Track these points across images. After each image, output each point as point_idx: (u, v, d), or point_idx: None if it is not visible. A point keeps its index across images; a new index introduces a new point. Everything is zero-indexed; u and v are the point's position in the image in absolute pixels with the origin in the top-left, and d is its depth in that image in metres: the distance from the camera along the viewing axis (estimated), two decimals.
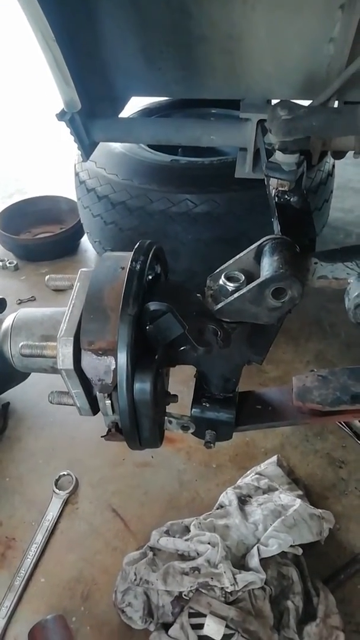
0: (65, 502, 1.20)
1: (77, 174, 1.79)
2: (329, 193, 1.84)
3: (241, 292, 0.69)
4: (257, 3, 1.03)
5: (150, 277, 0.75)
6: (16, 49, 4.00)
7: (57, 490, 1.20)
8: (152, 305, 0.68)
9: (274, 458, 1.22)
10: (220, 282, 0.73)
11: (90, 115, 1.33)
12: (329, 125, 0.77)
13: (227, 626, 0.84)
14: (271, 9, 1.07)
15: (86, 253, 2.06)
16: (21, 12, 0.97)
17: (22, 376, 1.14)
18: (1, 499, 1.21)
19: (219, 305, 0.71)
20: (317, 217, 1.75)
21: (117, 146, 1.72)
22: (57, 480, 1.22)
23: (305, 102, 1.07)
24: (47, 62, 1.11)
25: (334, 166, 1.85)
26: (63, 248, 2.02)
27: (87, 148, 1.42)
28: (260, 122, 1.26)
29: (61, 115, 1.25)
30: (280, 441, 1.32)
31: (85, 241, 2.04)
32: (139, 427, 0.73)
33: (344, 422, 1.32)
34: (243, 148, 1.34)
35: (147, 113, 1.99)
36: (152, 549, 0.99)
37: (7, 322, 0.82)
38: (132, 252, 0.73)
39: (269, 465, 1.20)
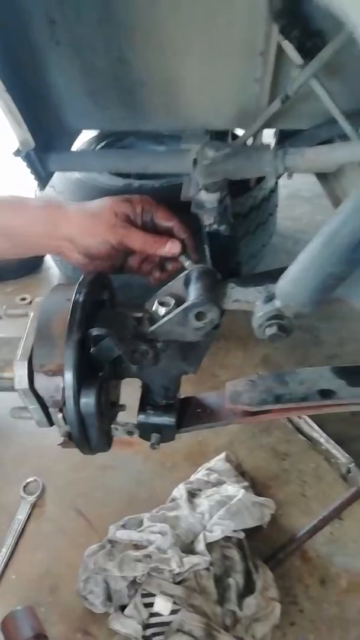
0: (33, 506, 1.28)
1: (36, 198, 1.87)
2: (273, 207, 1.97)
3: (169, 316, 0.79)
4: (189, 52, 1.14)
5: (97, 303, 0.86)
6: None
7: (25, 495, 1.29)
8: (94, 331, 0.79)
9: (223, 454, 1.33)
10: (154, 307, 0.84)
11: (44, 150, 1.42)
12: (241, 169, 0.88)
13: (174, 603, 0.95)
14: (202, 56, 1.18)
15: (50, 270, 2.14)
16: None
17: None
18: None
19: (152, 328, 0.81)
20: (262, 231, 1.87)
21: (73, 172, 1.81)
22: (25, 486, 1.31)
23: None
24: (0, 108, 1.20)
25: (276, 183, 1.98)
26: (27, 267, 2.09)
27: (43, 179, 1.50)
28: (202, 145, 1.38)
29: (17, 153, 1.33)
30: (229, 439, 1.43)
31: (49, 259, 2.13)
32: (88, 436, 0.83)
33: (288, 419, 1.45)
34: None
35: (103, 137, 2.09)
36: (110, 541, 1.09)
37: None
38: (77, 285, 0.83)
39: (218, 461, 1.31)
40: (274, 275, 0.76)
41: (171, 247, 0.89)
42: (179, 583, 0.99)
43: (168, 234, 0.91)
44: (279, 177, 0.96)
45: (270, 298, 0.74)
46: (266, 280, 0.82)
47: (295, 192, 2.73)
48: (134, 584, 1.01)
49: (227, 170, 0.89)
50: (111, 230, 0.87)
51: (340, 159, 0.84)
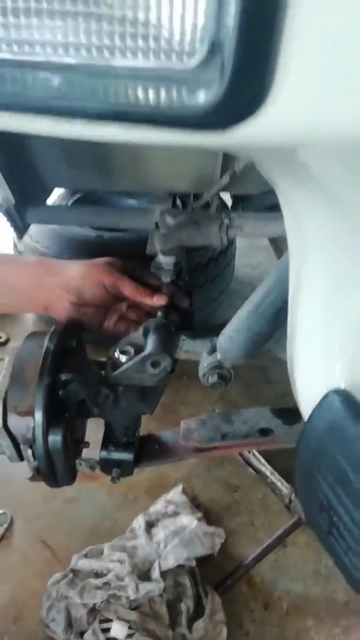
0: (1, 537, 1.33)
1: (15, 246, 1.98)
2: (230, 259, 2.12)
3: (129, 364, 0.89)
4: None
5: (66, 350, 0.95)
6: None
7: None
8: (63, 376, 0.88)
9: (180, 487, 1.42)
10: (116, 355, 0.94)
11: (22, 205, 1.53)
12: (192, 238, 1.01)
13: (129, 627, 1.01)
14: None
15: None
16: None
17: None
18: None
19: (114, 374, 0.91)
20: (220, 279, 2.02)
21: None
22: None
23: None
24: None
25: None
26: None
27: (20, 230, 1.60)
28: (162, 212, 1.52)
29: None
30: (187, 471, 1.51)
31: None
32: (55, 470, 0.91)
33: (239, 453, 1.55)
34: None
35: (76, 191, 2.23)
36: (72, 570, 1.15)
37: None
38: (49, 334, 0.93)
39: (175, 493, 1.39)
40: (217, 330, 0.88)
41: (158, 299, 0.97)
42: (134, 609, 1.06)
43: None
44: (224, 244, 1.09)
45: (213, 350, 0.85)
46: (211, 334, 0.94)
47: (254, 243, 2.91)
48: (93, 610, 1.07)
49: (181, 238, 1.02)
50: (105, 274, 0.94)
51: (271, 232, 0.98)
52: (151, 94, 0.34)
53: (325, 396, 0.57)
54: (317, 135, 0.34)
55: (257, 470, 1.47)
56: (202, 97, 0.31)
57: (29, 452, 0.91)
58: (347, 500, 0.55)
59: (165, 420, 1.69)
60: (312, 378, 0.63)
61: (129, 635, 1.01)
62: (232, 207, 1.74)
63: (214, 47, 0.32)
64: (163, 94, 0.33)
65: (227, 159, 1.33)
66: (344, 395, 0.56)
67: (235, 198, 1.73)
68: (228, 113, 0.31)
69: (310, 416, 0.60)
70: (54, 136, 0.35)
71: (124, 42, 0.35)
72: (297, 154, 0.39)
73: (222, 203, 1.93)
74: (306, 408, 0.63)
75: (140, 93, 0.34)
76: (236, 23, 0.31)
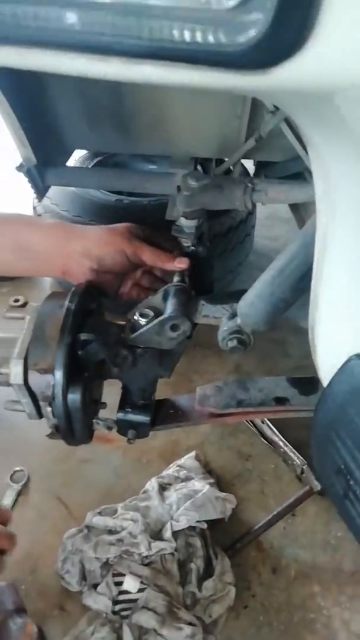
0: (19, 493, 1.37)
1: (34, 208, 1.97)
2: (250, 228, 2.09)
3: (148, 326, 0.90)
4: (176, 95, 1.26)
5: (86, 311, 0.96)
6: None
7: (11, 483, 1.38)
8: (83, 336, 0.88)
9: (193, 453, 1.44)
10: (135, 317, 0.95)
11: (43, 166, 1.53)
12: (215, 201, 1.00)
13: (141, 582, 1.05)
14: (188, 98, 1.30)
15: None
16: None
17: None
18: None
19: (133, 336, 0.92)
20: (239, 249, 2.00)
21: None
22: (11, 475, 1.40)
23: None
24: (7, 129, 1.31)
25: (254, 206, 2.11)
26: None
27: (41, 191, 1.60)
28: (184, 175, 1.50)
29: (19, 168, 1.44)
30: (200, 439, 1.54)
31: None
32: (73, 428, 0.93)
33: (252, 423, 1.56)
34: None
35: (98, 154, 2.20)
36: (87, 526, 1.19)
37: None
38: (70, 294, 0.94)
39: (188, 459, 1.42)
40: (238, 296, 0.88)
41: (179, 262, 0.96)
42: (146, 565, 1.10)
43: None
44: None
45: (233, 315, 0.85)
46: (231, 300, 0.93)
47: (274, 213, 2.87)
48: (106, 565, 1.11)
49: (204, 201, 1.00)
50: (127, 242, 0.93)
51: (297, 198, 0.96)
52: (187, 34, 0.33)
53: (348, 361, 0.57)
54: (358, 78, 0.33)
55: (270, 441, 1.49)
56: (242, 36, 0.30)
57: (48, 409, 0.93)
58: None
59: (180, 388, 1.71)
60: (334, 343, 0.63)
61: (141, 590, 1.05)
62: (254, 174, 1.70)
63: None
64: (199, 34, 0.32)
65: (252, 124, 1.30)
66: None
67: (258, 165, 1.69)
68: (269, 52, 0.30)
69: (331, 381, 0.60)
70: (89, 77, 0.34)
71: None
72: (335, 99, 0.38)
73: (245, 170, 1.89)
74: (326, 373, 0.63)
75: (176, 32, 0.33)
76: None
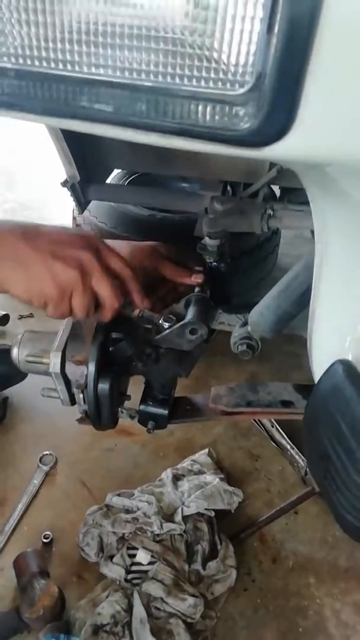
0: (46, 475, 1.51)
1: (74, 218, 2.14)
2: (274, 247, 2.21)
3: (171, 329, 1.03)
4: None
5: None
6: None
7: (40, 465, 1.52)
8: (114, 335, 1.02)
9: (206, 450, 1.56)
10: (160, 321, 1.08)
11: (85, 182, 1.69)
12: (237, 224, 1.12)
13: (152, 556, 1.17)
14: None
15: None
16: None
17: (22, 377, 1.47)
18: None
19: (157, 337, 1.05)
20: (262, 266, 2.12)
21: None
22: (41, 458, 1.54)
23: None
24: (56, 149, 1.47)
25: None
26: None
27: (82, 205, 1.77)
28: (212, 198, 1.63)
29: (64, 184, 1.60)
30: (214, 439, 1.65)
31: None
32: (100, 414, 1.07)
33: (263, 427, 1.67)
34: None
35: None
36: (106, 505, 1.32)
37: (17, 338, 1.15)
38: None
39: (201, 455, 1.53)
40: (250, 307, 1.00)
41: (196, 277, 1.07)
42: (158, 542, 1.22)
43: None
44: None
45: (244, 324, 0.97)
46: (244, 310, 1.06)
47: (300, 233, 2.97)
48: (122, 539, 1.23)
49: (226, 224, 1.13)
50: (148, 258, 1.05)
51: (308, 226, 1.08)
52: (208, 113, 0.46)
53: (332, 364, 0.69)
54: (333, 157, 0.46)
55: (278, 444, 1.59)
56: (245, 123, 0.43)
57: (81, 396, 1.06)
58: (340, 449, 0.67)
59: (197, 391, 1.82)
60: (325, 350, 0.75)
61: (151, 563, 1.17)
62: (279, 197, 1.83)
63: (259, 80, 0.44)
64: (217, 113, 0.46)
65: None
66: (347, 365, 0.67)
67: (282, 190, 1.81)
68: (263, 136, 0.43)
69: (319, 381, 0.71)
70: (135, 142, 0.48)
71: (192, 72, 0.47)
72: (325, 168, 0.50)
73: (271, 193, 2.02)
74: (318, 375, 0.75)
75: (199, 112, 0.46)
76: (275, 64, 0.42)
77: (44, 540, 1.33)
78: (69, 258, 0.72)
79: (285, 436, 1.58)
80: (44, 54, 0.50)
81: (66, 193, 1.68)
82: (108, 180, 1.90)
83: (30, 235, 0.72)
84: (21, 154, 3.67)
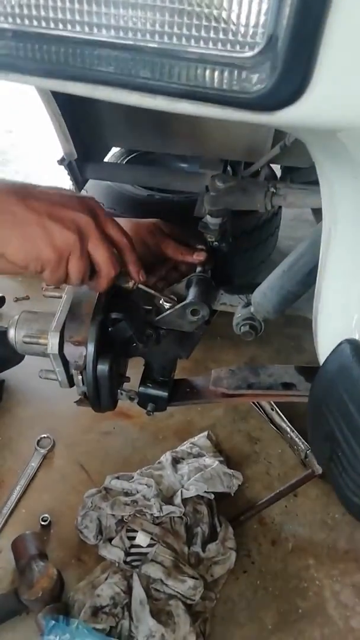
0: (44, 457, 1.51)
1: None
2: (274, 229, 2.19)
3: (172, 310, 1.01)
4: None
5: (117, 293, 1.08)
6: None
7: (38, 448, 1.52)
8: (113, 315, 1.00)
9: (205, 433, 1.55)
10: (161, 301, 1.06)
11: (83, 160, 1.65)
12: (239, 202, 1.10)
13: (152, 538, 1.17)
14: None
15: None
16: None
17: (19, 359, 1.45)
18: None
19: (158, 318, 1.03)
20: (263, 248, 2.09)
21: None
22: (38, 441, 1.54)
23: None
24: (52, 125, 1.43)
25: (279, 207, 2.20)
26: None
27: (80, 184, 1.73)
28: (213, 176, 1.60)
29: (61, 162, 1.57)
30: (213, 421, 1.65)
31: None
32: (100, 396, 1.05)
33: (263, 410, 1.66)
34: None
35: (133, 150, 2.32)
36: (105, 488, 1.31)
37: (14, 319, 1.14)
38: None
39: (200, 438, 1.53)
40: (253, 287, 0.98)
41: (198, 255, 1.06)
42: (157, 525, 1.22)
43: None
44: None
45: (247, 304, 0.95)
46: (247, 291, 1.04)
47: (299, 216, 2.94)
48: (121, 522, 1.23)
49: (228, 202, 1.11)
50: (151, 235, 1.03)
51: (312, 204, 1.06)
52: (216, 76, 0.44)
53: (339, 344, 0.67)
54: (348, 121, 0.44)
55: (278, 427, 1.59)
56: (256, 85, 0.41)
57: (79, 378, 1.05)
58: (347, 431, 0.66)
59: (197, 374, 1.81)
60: (331, 329, 0.73)
61: (151, 545, 1.17)
62: (280, 178, 1.79)
63: (270, 42, 0.42)
64: (226, 76, 0.43)
65: (279, 131, 1.39)
66: (355, 344, 0.66)
67: (284, 170, 1.78)
68: (275, 99, 0.41)
69: (325, 361, 0.70)
70: (142, 107, 0.46)
71: (199, 32, 0.44)
72: (336, 135, 0.48)
73: (272, 173, 1.98)
74: (323, 355, 0.74)
75: (207, 75, 0.44)
76: (289, 23, 0.40)
77: (42, 523, 1.33)
78: (66, 220, 0.69)
79: (285, 419, 1.57)
80: (42, 13, 0.47)
81: (63, 171, 1.64)
82: (105, 160, 1.86)
83: (27, 196, 0.68)
84: (17, 132, 3.61)
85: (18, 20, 0.48)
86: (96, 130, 1.61)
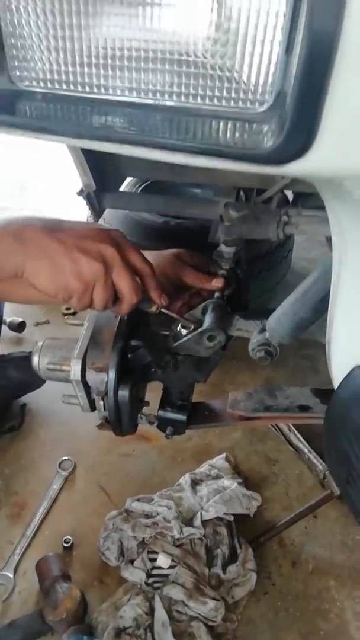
0: (65, 480, 1.54)
1: None
2: (287, 251, 2.22)
3: (188, 337, 1.05)
4: None
5: (136, 321, 1.12)
6: None
7: (60, 470, 1.55)
8: (133, 342, 1.04)
9: (224, 455, 1.57)
10: (178, 328, 1.10)
11: (100, 190, 1.72)
12: (252, 231, 1.14)
13: (173, 560, 1.19)
14: None
15: None
16: None
17: (40, 383, 1.50)
18: (18, 475, 1.55)
19: (175, 344, 1.07)
20: (276, 270, 2.13)
21: None
22: (60, 463, 1.57)
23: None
24: (72, 159, 1.50)
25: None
26: None
27: (97, 213, 1.80)
28: (226, 205, 1.65)
29: (80, 193, 1.64)
30: (231, 444, 1.67)
31: None
32: (121, 420, 1.09)
33: (280, 431, 1.67)
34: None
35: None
36: (126, 510, 1.33)
37: (37, 345, 1.18)
38: None
39: (219, 459, 1.55)
40: (268, 313, 1.02)
41: (216, 282, 1.09)
42: (178, 546, 1.23)
43: None
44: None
45: (262, 330, 0.99)
46: (262, 316, 1.08)
47: (313, 238, 2.98)
48: (142, 543, 1.25)
49: (242, 231, 1.15)
50: (170, 265, 1.08)
51: (324, 232, 1.09)
52: (229, 130, 0.48)
53: (352, 370, 0.70)
54: (353, 172, 0.48)
55: (296, 448, 1.60)
56: (267, 143, 0.45)
57: (101, 403, 1.09)
58: None
59: (214, 396, 1.84)
60: (344, 356, 0.76)
61: (172, 567, 1.18)
62: (292, 202, 1.84)
63: (278, 99, 0.46)
64: (238, 130, 0.48)
65: None
66: None
67: (296, 195, 1.82)
68: (284, 155, 0.45)
69: (339, 386, 0.73)
70: (164, 161, 0.50)
71: (213, 92, 0.49)
72: (344, 182, 0.52)
73: (284, 198, 2.03)
74: (337, 380, 0.76)
75: (221, 130, 0.48)
76: (296, 84, 0.44)
77: (65, 545, 1.36)
78: (93, 252, 0.73)
79: (302, 440, 1.59)
80: (71, 77, 0.52)
81: (81, 201, 1.71)
82: (121, 188, 1.93)
83: (55, 230, 0.73)
84: (39, 162, 3.73)
85: (48, 85, 0.54)
86: (113, 162, 1.68)
